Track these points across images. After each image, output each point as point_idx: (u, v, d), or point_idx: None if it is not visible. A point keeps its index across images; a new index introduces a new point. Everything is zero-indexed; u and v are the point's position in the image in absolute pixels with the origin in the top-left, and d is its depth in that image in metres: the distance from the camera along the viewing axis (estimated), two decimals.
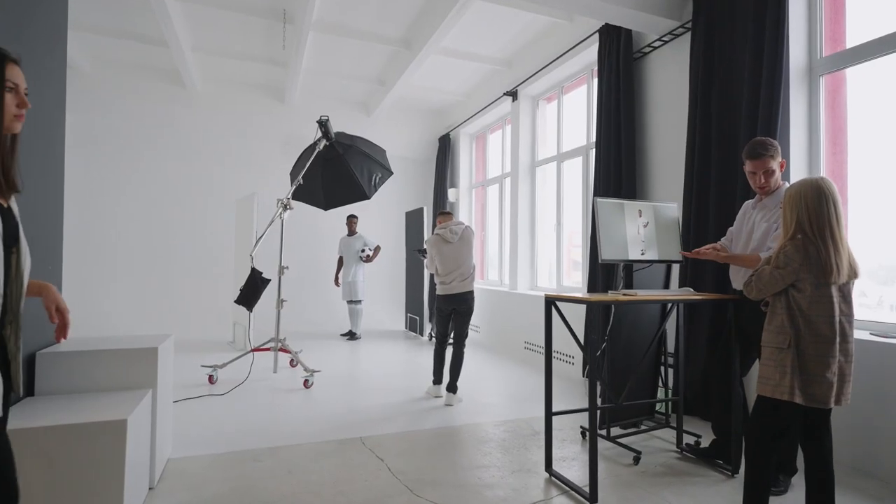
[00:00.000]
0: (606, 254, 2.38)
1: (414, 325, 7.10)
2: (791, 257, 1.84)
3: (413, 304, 7.25)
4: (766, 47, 3.09)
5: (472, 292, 3.92)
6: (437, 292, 3.98)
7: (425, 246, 4.14)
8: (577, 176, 5.41)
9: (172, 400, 3.45)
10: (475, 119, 7.30)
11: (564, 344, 4.92)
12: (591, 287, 4.46)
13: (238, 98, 7.43)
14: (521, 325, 5.77)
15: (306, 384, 4.04)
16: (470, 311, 3.91)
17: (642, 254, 2.50)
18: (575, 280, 5.58)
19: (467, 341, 4.00)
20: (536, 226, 6.18)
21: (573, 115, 5.68)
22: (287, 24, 5.40)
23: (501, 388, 4.22)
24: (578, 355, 4.71)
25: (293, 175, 5.03)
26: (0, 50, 1.12)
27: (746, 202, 2.57)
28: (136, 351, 2.17)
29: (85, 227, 6.80)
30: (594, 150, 4.71)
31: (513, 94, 6.28)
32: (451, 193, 7.88)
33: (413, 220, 7.29)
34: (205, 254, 7.29)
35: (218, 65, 6.72)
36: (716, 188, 3.35)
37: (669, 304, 2.77)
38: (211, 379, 4.09)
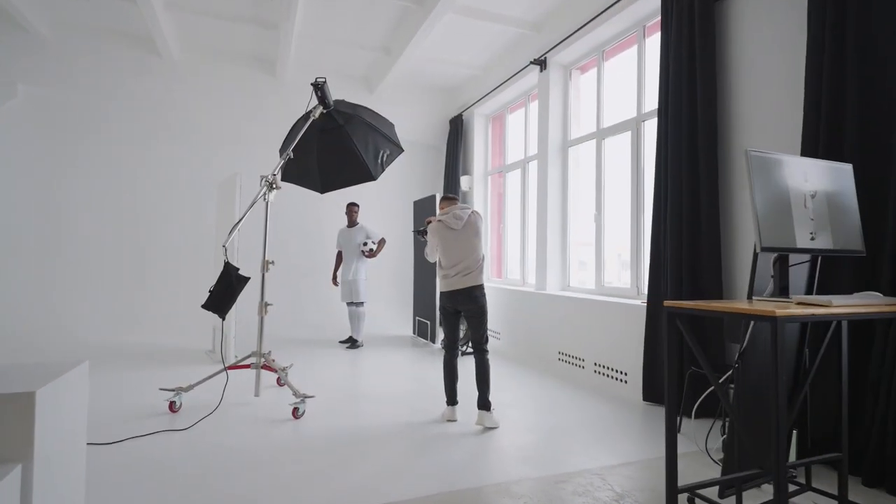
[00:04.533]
0: (769, 239, 1.49)
1: (423, 331, 6.21)
2: None
3: (422, 306, 6.35)
4: None
5: (478, 287, 3.13)
6: (440, 288, 3.22)
7: (425, 227, 3.30)
8: (623, 154, 4.51)
9: (110, 441, 2.51)
10: (493, 96, 6.39)
11: (613, 355, 4.03)
12: (654, 290, 3.56)
13: (222, 69, 6.50)
14: (553, 333, 4.88)
15: (296, 413, 3.13)
16: (481, 311, 3.13)
17: (812, 239, 1.61)
18: (580, 280, 4.69)
19: (489, 346, 3.17)
20: (569, 215, 5.29)
21: (616, 85, 4.79)
22: None
23: (542, 417, 3.33)
24: (633, 371, 3.83)
25: (283, 150, 4.12)
26: None
27: None
28: None
29: (43, 218, 5.86)
30: (656, 119, 3.82)
31: (541, 63, 5.38)
32: (465, 181, 6.98)
33: (423, 209, 6.39)
34: (183, 247, 6.37)
35: (197, 28, 5.79)
36: (854, 156, 2.46)
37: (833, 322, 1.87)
38: (172, 406, 3.18)
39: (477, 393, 3.11)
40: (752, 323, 1.80)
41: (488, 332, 3.20)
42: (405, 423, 3.11)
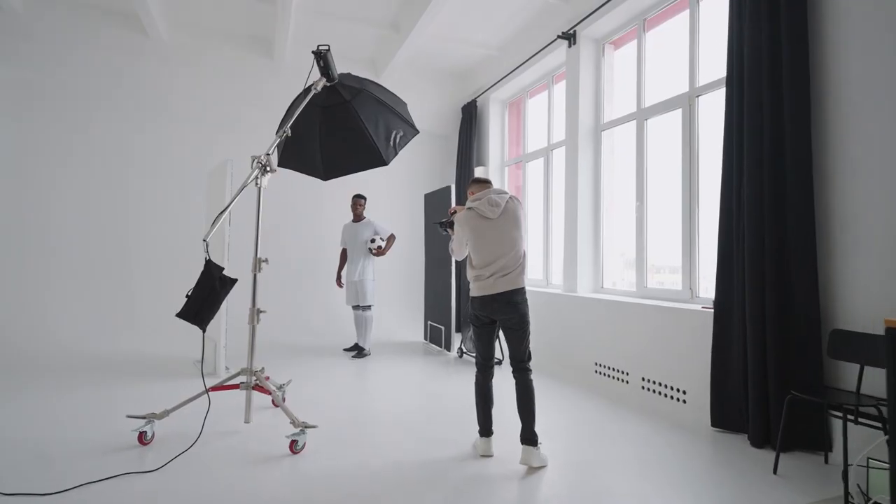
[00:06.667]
0: None
1: (437, 337, 5.61)
2: None
3: (435, 309, 5.76)
4: None
5: (519, 291, 2.52)
6: (471, 292, 2.60)
7: (452, 219, 2.71)
8: (670, 137, 3.92)
9: (54, 490, 1.89)
10: (511, 79, 5.80)
11: (665, 369, 3.43)
12: (725, 295, 2.97)
13: (215, 49, 5.91)
14: (587, 341, 4.29)
15: (293, 447, 2.55)
16: (523, 321, 2.53)
17: None
18: (613, 281, 4.11)
19: (531, 364, 2.60)
20: (602, 207, 4.70)
21: (659, 60, 4.20)
22: None
23: (593, 449, 2.74)
24: (695, 389, 3.23)
25: (280, 129, 3.54)
26: None
27: None
28: None
29: (18, 210, 5.28)
30: (723, 91, 3.23)
31: (570, 38, 4.79)
32: (480, 172, 6.40)
33: (435, 203, 5.80)
34: (172, 243, 5.78)
35: (187, 2, 5.20)
36: None
37: None
38: (142, 437, 2.60)
39: (521, 424, 2.49)
40: None
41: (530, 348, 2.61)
42: (428, 459, 2.52)
